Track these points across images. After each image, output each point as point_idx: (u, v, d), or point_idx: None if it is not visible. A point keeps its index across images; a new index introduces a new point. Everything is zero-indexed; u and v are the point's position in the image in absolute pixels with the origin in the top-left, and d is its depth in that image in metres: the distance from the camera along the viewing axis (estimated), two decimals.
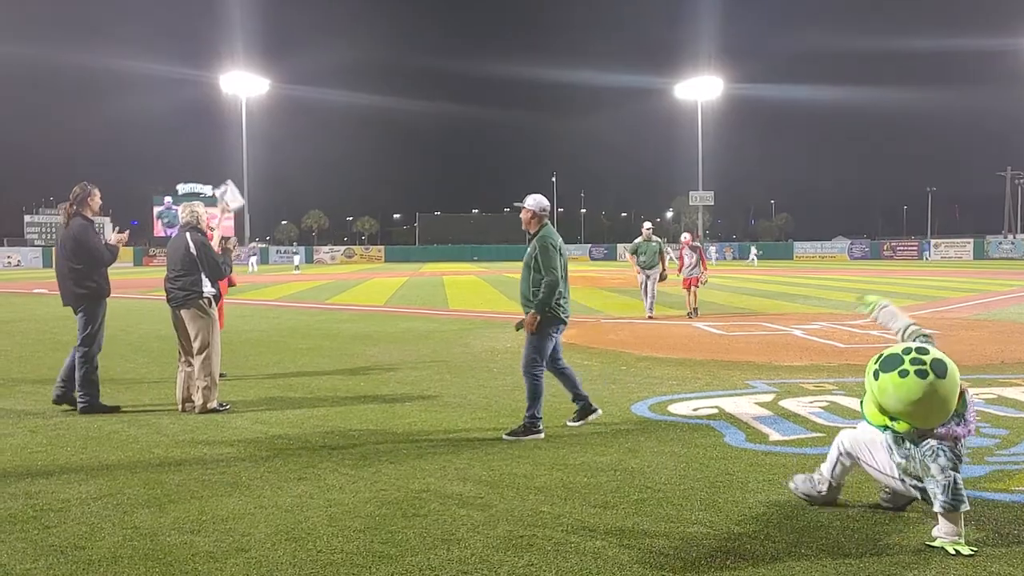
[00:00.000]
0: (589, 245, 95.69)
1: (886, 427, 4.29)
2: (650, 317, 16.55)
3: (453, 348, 12.18)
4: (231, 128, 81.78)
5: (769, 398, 7.82)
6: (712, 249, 64.88)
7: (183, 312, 7.55)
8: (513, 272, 44.33)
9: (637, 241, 17.05)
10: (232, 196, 9.19)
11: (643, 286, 16.96)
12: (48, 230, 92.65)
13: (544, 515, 4.52)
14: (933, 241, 78.85)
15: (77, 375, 7.46)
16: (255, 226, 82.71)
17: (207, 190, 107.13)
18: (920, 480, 4.21)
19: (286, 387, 8.81)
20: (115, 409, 7.53)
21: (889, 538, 4.14)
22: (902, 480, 4.34)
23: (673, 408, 7.48)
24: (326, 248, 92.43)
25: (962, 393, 4.19)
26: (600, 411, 6.87)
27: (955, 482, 4.03)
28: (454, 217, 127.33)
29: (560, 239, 6.77)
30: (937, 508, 4.04)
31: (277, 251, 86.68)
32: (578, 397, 6.82)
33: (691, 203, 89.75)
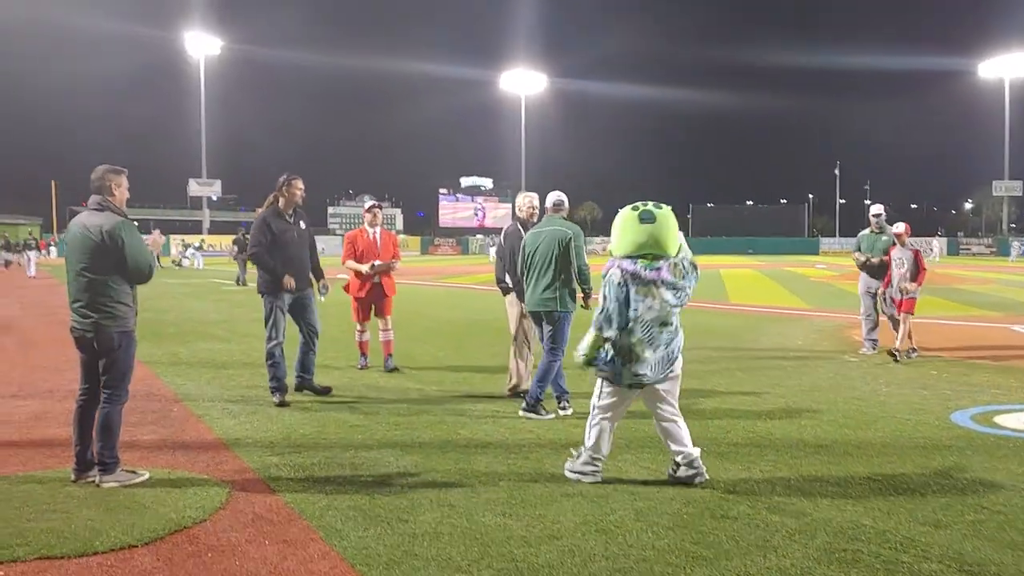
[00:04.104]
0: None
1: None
2: (891, 355, 9.99)
3: (741, 344, 11.78)
4: (509, 123, 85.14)
5: None
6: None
7: None
8: (792, 267, 42.41)
9: (862, 234, 11.25)
10: None
11: (867, 297, 10.89)
12: (347, 220, 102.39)
13: (866, 529, 4.18)
14: None
15: None
16: None
17: (487, 183, 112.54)
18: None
19: (576, 377, 8.84)
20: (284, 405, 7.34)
21: None
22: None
23: (1000, 420, 6.71)
24: (598, 239, 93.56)
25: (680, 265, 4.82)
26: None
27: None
28: (728, 208, 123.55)
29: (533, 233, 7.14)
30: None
31: None
32: None
33: (994, 193, 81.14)
